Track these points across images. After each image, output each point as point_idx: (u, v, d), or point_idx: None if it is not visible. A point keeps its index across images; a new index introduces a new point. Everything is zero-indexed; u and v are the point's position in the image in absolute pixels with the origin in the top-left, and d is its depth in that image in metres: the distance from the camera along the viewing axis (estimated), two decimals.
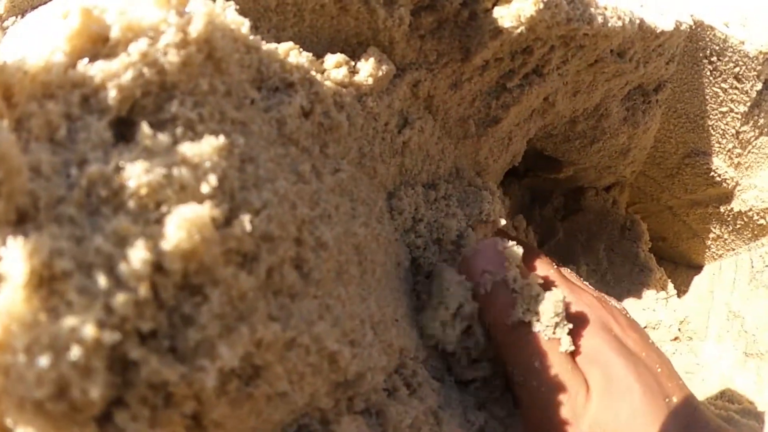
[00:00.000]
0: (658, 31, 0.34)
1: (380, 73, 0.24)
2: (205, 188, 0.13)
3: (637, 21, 0.32)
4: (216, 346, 0.12)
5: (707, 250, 0.48)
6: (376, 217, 0.24)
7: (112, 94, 0.14)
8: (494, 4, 0.26)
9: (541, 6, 0.26)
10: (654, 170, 0.43)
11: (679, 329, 0.46)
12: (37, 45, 0.15)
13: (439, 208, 0.29)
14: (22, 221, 0.13)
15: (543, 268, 0.29)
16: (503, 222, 0.31)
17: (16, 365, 0.11)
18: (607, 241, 0.44)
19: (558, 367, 0.24)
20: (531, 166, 0.43)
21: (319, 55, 0.24)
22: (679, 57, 0.39)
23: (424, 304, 0.27)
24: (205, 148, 0.14)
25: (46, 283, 0.12)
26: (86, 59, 0.15)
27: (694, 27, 0.38)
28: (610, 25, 0.30)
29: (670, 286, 0.45)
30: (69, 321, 0.11)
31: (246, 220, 0.13)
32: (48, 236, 0.12)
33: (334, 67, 0.23)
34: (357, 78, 0.24)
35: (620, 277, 0.44)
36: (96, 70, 0.15)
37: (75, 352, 0.11)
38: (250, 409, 0.15)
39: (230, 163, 0.14)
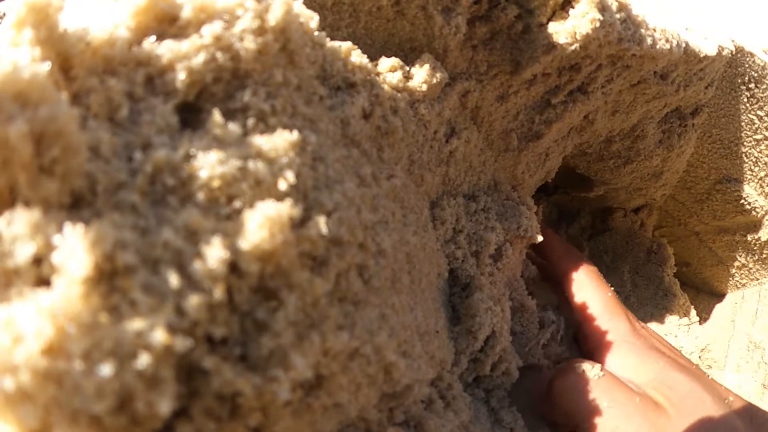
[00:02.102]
0: (701, 56, 0.34)
1: (434, 81, 0.24)
2: (282, 185, 0.12)
3: (683, 44, 0.32)
4: (289, 355, 0.12)
5: (731, 279, 0.47)
6: (422, 226, 0.23)
7: (180, 76, 0.14)
8: (549, 19, 0.26)
9: (597, 24, 0.25)
10: (684, 194, 0.43)
11: (699, 357, 0.45)
12: (98, 17, 0.14)
13: (478, 221, 0.28)
14: (76, 206, 0.12)
15: (587, 289, 0.29)
16: (540, 239, 0.31)
17: (71, 373, 0.10)
18: (632, 264, 0.43)
19: (626, 402, 0.24)
20: (561, 183, 0.42)
21: (371, 58, 0.24)
22: (718, 82, 0.39)
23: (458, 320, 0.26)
24: (281, 142, 0.13)
25: (106, 278, 0.11)
26: (153, 37, 0.14)
27: (734, 52, 0.38)
28: (658, 47, 0.30)
29: (693, 312, 0.45)
30: (135, 324, 0.10)
31: (321, 222, 0.13)
32: (110, 225, 0.11)
33: (388, 71, 0.23)
34: (411, 83, 0.23)
35: (644, 301, 0.43)
36: (164, 49, 0.14)
37: (143, 360, 0.10)
38: (306, 421, 0.14)
39: (303, 160, 0.14)
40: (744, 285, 0.47)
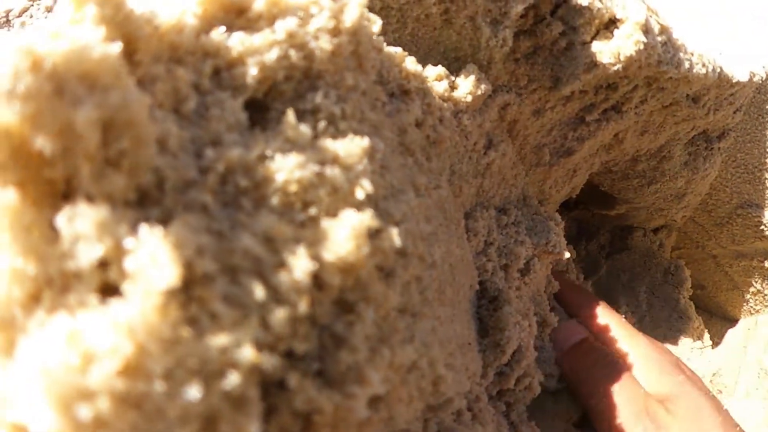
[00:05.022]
0: (734, 81, 0.34)
1: (479, 92, 0.24)
2: (360, 194, 0.12)
3: (718, 70, 0.32)
4: (364, 370, 0.11)
5: (745, 304, 0.47)
6: (460, 237, 0.23)
7: (252, 71, 0.13)
8: (593, 38, 0.26)
9: (642, 47, 0.25)
10: (704, 217, 0.43)
11: (710, 381, 0.45)
12: (163, 1, 0.13)
13: (509, 234, 0.28)
14: (141, 203, 0.11)
15: (606, 316, 0.30)
16: (567, 255, 0.30)
17: (152, 396, 0.08)
18: (649, 284, 0.43)
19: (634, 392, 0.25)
20: (583, 199, 0.42)
21: None
22: (746, 107, 0.39)
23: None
24: (355, 148, 0.13)
25: (183, 288, 0.10)
26: (223, 28, 0.13)
27: (765, 79, 0.38)
28: (695, 71, 0.30)
29: (706, 336, 0.45)
30: (220, 339, 0.09)
31: (394, 234, 0.12)
32: (187, 228, 0.10)
33: (434, 80, 0.23)
34: (455, 94, 0.23)
35: (658, 322, 0.43)
36: (234, 41, 0.13)
37: (232, 380, 0.09)
38: None
39: (373, 168, 0.13)
40: (758, 311, 0.47)
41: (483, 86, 0.24)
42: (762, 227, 0.42)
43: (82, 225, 0.10)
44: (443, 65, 0.24)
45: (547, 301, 0.32)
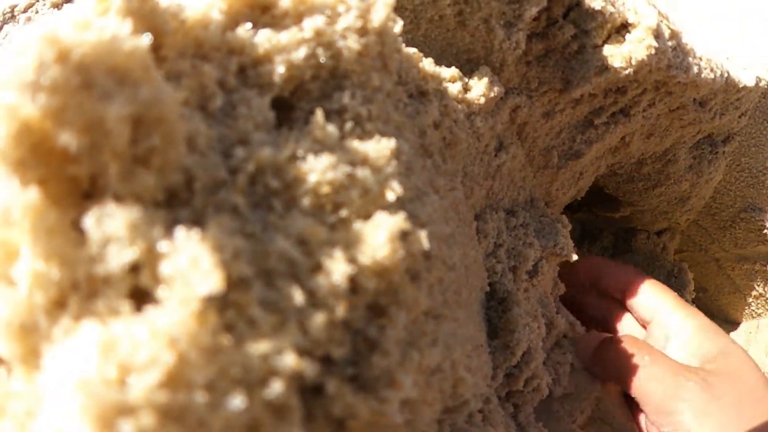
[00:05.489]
0: (740, 86, 0.34)
1: (492, 94, 0.24)
2: (390, 196, 0.12)
3: (725, 74, 0.33)
4: (396, 374, 0.11)
5: (747, 307, 0.47)
6: (472, 238, 0.23)
7: (279, 70, 0.13)
8: (604, 42, 0.26)
9: (653, 51, 0.26)
10: (707, 221, 0.43)
11: None
12: None
13: (518, 236, 0.28)
14: (170, 204, 0.10)
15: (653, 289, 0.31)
16: (575, 257, 0.31)
17: (193, 408, 0.08)
18: None
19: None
20: (587, 201, 0.42)
21: None
22: (751, 111, 0.39)
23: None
24: (384, 150, 0.12)
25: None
26: (249, 24, 0.13)
27: None
28: (703, 75, 0.30)
29: None
30: (260, 346, 0.09)
31: (423, 236, 0.12)
32: (222, 230, 0.10)
33: (449, 81, 0.23)
34: (469, 95, 0.23)
35: None
36: (261, 39, 0.13)
37: (275, 388, 0.09)
38: None
39: (400, 169, 0.13)
40: (759, 315, 0.47)
41: (496, 88, 0.24)
42: (765, 231, 0.42)
43: (112, 226, 0.09)
44: (456, 67, 0.24)
45: (554, 303, 0.33)
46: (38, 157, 0.10)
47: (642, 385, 0.27)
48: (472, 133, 0.24)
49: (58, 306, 0.10)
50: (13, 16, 0.42)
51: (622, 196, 0.40)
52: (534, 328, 0.26)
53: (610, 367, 0.29)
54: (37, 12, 0.41)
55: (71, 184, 0.10)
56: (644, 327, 0.32)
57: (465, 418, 0.22)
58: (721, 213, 0.43)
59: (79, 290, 0.10)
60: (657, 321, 0.30)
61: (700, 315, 0.30)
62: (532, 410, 0.29)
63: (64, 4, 0.39)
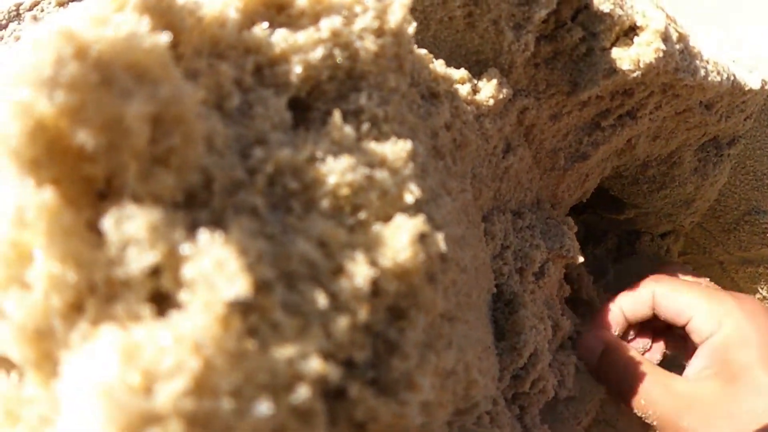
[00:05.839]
0: (746, 89, 0.34)
1: (501, 96, 0.24)
2: (409, 198, 0.12)
3: (732, 77, 0.33)
4: (415, 376, 0.11)
5: None
6: (480, 240, 0.23)
7: (296, 70, 0.13)
8: (612, 44, 0.26)
9: (661, 54, 0.26)
10: (712, 223, 0.43)
11: None
12: None
13: (524, 238, 0.28)
14: (188, 204, 0.10)
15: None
16: (581, 259, 0.31)
17: (219, 414, 0.08)
18: None
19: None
20: (592, 203, 0.42)
21: None
22: (756, 114, 0.39)
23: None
24: (401, 152, 0.12)
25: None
26: (266, 24, 0.13)
27: None
28: (710, 79, 0.30)
29: None
30: (285, 350, 0.09)
31: (440, 239, 0.12)
32: (244, 233, 0.09)
33: (458, 82, 0.23)
34: (478, 97, 0.23)
35: None
36: (278, 38, 0.13)
37: (301, 393, 0.08)
38: None
39: (416, 171, 0.13)
40: None
41: (505, 90, 0.24)
42: None
43: (132, 228, 0.09)
44: (464, 68, 0.24)
45: (559, 305, 0.33)
46: (52, 156, 0.10)
47: (645, 408, 0.27)
48: (481, 134, 0.23)
49: (74, 310, 0.10)
50: (18, 14, 0.42)
51: (626, 198, 0.40)
52: (540, 330, 0.26)
53: (614, 384, 0.29)
54: (42, 10, 0.41)
55: (85, 184, 0.10)
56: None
57: (474, 420, 0.22)
58: (726, 216, 0.43)
59: (97, 293, 0.09)
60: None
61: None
62: (537, 412, 0.29)
63: (70, 3, 0.39)
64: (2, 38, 0.40)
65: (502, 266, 0.27)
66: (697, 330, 0.28)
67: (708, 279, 0.36)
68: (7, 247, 0.10)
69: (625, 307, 0.32)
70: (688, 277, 0.35)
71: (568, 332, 0.32)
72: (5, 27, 0.40)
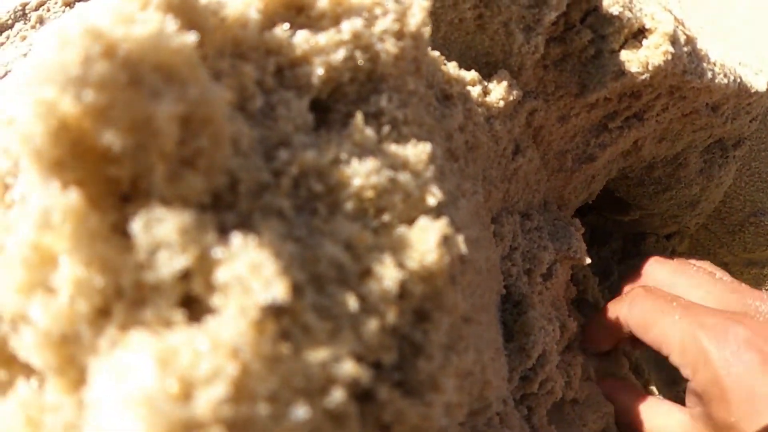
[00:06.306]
0: (752, 91, 0.34)
1: (511, 98, 0.24)
2: (431, 200, 0.12)
3: (738, 79, 0.33)
4: (438, 378, 0.11)
5: None
6: (490, 241, 0.24)
7: (318, 71, 0.13)
8: (621, 47, 0.26)
9: (670, 57, 0.26)
10: (716, 225, 0.43)
11: None
12: None
13: (532, 239, 0.28)
14: (215, 207, 0.10)
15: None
16: (588, 261, 0.31)
17: (256, 420, 0.08)
18: None
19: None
20: (597, 204, 0.42)
21: None
22: (762, 116, 0.39)
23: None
24: (422, 154, 0.12)
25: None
26: (287, 25, 0.13)
27: None
28: (717, 81, 0.30)
29: None
30: (319, 354, 0.08)
31: (461, 241, 0.12)
32: (275, 236, 0.09)
33: (468, 84, 0.23)
34: (488, 99, 0.23)
35: None
36: (299, 40, 0.13)
37: (336, 396, 0.08)
38: None
39: (436, 174, 0.13)
40: None
41: (515, 92, 0.24)
42: None
43: (162, 231, 0.09)
44: (474, 69, 0.24)
45: (566, 306, 0.33)
46: (75, 157, 0.10)
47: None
48: (491, 136, 0.24)
49: (101, 315, 0.09)
50: (24, 14, 0.42)
51: (632, 199, 0.40)
52: (549, 331, 0.26)
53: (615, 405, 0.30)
54: (48, 10, 0.41)
55: (110, 186, 0.10)
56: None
57: (484, 421, 0.22)
58: (731, 217, 0.43)
59: (124, 298, 0.09)
60: None
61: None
62: (545, 413, 0.29)
63: (77, 3, 0.39)
64: (8, 38, 0.40)
65: (511, 267, 0.27)
66: (677, 366, 0.27)
67: (709, 263, 0.35)
68: (31, 251, 0.10)
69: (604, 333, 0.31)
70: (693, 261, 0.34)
71: (574, 333, 0.32)
72: (11, 27, 0.41)
